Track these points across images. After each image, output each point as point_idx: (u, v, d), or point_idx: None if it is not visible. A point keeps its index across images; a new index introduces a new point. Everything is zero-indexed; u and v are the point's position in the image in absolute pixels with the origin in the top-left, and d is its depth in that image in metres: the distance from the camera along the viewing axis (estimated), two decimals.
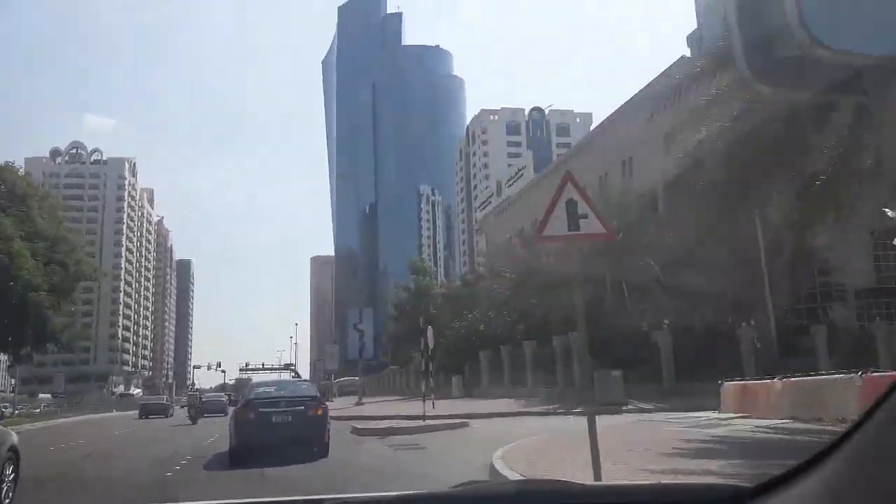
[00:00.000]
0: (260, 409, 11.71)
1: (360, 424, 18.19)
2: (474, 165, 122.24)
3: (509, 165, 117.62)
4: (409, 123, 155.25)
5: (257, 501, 1.47)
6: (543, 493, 1.48)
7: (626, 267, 26.39)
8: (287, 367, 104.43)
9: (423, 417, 17.64)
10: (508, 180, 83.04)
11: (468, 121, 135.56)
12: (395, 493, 1.55)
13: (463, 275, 73.56)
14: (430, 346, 22.16)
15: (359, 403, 34.67)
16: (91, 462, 13.61)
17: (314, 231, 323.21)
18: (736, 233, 20.62)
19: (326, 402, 13.43)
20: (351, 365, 53.05)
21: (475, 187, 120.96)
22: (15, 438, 8.21)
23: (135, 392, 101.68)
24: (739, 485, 1.37)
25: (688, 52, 58.44)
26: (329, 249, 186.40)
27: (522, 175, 78.21)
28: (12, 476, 7.74)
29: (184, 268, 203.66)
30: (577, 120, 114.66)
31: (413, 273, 59.11)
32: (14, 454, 7.86)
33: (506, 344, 34.82)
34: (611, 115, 46.74)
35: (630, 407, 20.55)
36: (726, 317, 25.62)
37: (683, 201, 20.08)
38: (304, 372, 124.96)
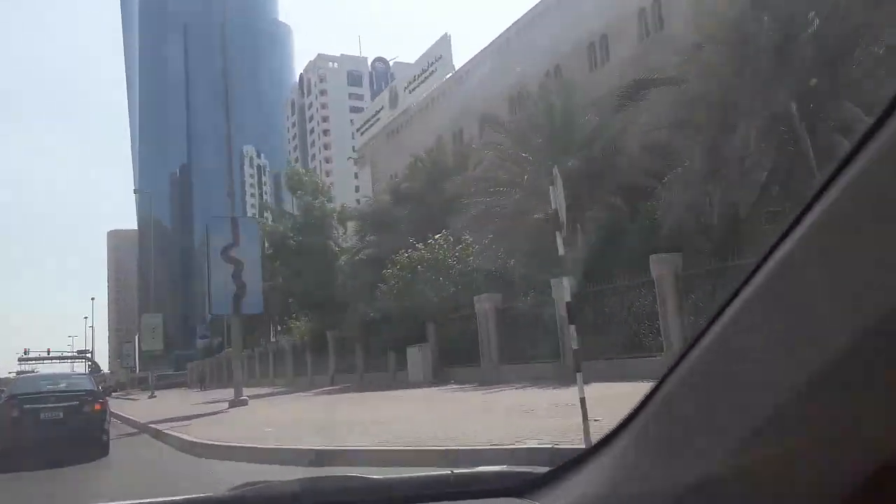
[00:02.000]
0: (25, 406, 10.72)
1: None
2: (311, 119, 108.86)
3: (352, 121, 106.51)
4: (228, 75, 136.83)
5: None
6: (330, 490, 1.43)
7: None
8: (81, 354, 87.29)
9: None
10: (407, 88, 61.16)
11: (298, 74, 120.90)
12: (168, 499, 1.45)
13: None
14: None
15: (151, 396, 34.68)
16: None
17: (109, 201, 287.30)
18: None
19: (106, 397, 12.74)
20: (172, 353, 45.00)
21: (313, 144, 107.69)
22: None
23: None
24: (533, 470, 1.37)
25: None
26: (130, 223, 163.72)
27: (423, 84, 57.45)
28: None
29: None
30: None
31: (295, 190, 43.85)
32: None
33: None
34: None
35: None
36: None
37: None
38: (104, 361, 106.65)
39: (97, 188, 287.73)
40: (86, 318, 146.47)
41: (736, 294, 0.84)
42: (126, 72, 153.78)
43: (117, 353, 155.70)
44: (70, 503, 7.34)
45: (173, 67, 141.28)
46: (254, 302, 19.80)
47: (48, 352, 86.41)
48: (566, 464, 1.29)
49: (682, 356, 0.95)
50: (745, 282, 0.82)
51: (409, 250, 23.34)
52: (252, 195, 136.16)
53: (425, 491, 1.45)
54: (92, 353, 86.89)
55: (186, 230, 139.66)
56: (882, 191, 0.63)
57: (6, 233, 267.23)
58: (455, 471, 1.47)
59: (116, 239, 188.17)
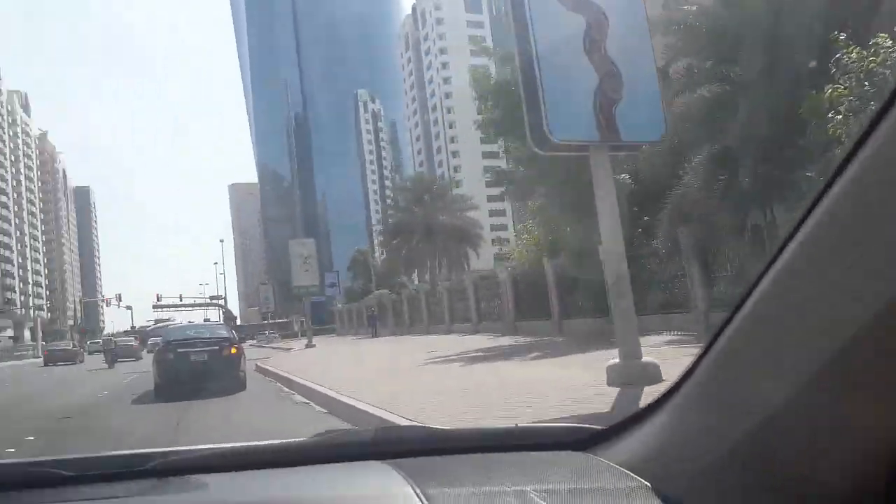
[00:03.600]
0: (178, 350, 12.92)
1: None
2: (427, 52, 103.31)
3: (471, 53, 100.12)
4: (337, 15, 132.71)
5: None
6: (401, 440, 1.55)
7: None
8: (214, 300, 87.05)
9: None
10: None
11: (410, 5, 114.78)
12: (252, 444, 1.54)
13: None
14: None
15: (309, 346, 29.25)
16: (22, 400, 14.90)
17: (232, 155, 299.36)
18: None
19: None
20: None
21: (430, 80, 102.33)
22: None
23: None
24: (595, 427, 1.45)
25: None
26: (251, 175, 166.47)
27: None
28: None
29: (83, 196, 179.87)
30: None
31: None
32: None
33: None
34: None
35: None
36: None
37: None
38: (234, 307, 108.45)
39: (220, 141, 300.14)
40: (216, 263, 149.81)
41: (791, 237, 0.83)
42: (234, 24, 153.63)
43: (246, 299, 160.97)
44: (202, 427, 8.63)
45: (281, 7, 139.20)
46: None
47: (180, 298, 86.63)
48: (629, 418, 1.33)
49: (742, 302, 0.95)
50: (799, 224, 0.82)
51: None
52: (369, 142, 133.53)
53: (490, 442, 1.51)
54: (225, 300, 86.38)
55: (306, 179, 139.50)
56: None
57: (138, 189, 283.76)
58: (519, 424, 1.57)
59: (238, 191, 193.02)
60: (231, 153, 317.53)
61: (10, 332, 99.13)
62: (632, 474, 1.17)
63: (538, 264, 18.50)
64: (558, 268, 17.11)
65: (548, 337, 16.58)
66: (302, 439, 1.56)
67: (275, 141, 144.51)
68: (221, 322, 34.31)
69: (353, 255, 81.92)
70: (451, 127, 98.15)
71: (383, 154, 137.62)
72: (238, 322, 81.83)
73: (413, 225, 45.56)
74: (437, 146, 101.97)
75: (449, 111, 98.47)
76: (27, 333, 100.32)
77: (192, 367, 12.55)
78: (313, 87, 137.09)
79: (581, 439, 1.42)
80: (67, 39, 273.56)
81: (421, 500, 1.07)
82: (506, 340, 17.22)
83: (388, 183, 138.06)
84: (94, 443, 7.89)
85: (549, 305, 17.94)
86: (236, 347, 13.18)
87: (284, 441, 1.53)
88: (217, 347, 12.94)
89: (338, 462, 1.36)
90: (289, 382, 12.60)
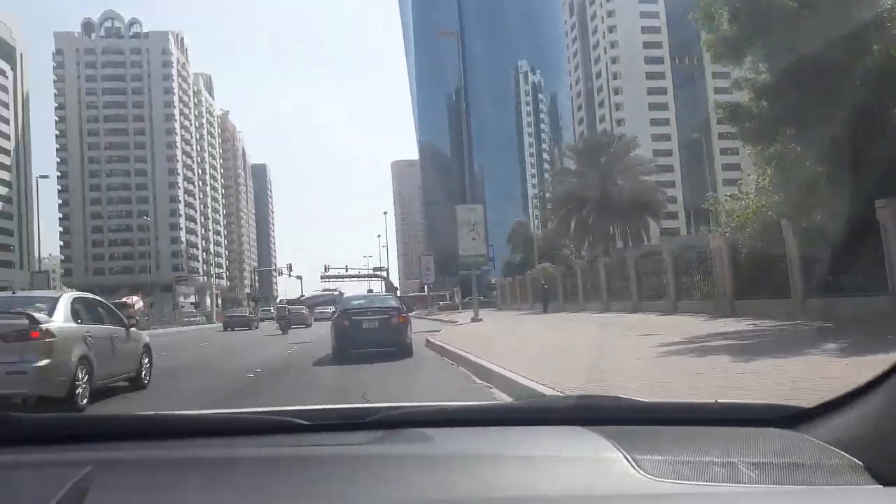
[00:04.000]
0: (353, 318, 13.81)
1: None
2: (593, 17, 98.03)
3: (641, 14, 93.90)
4: None
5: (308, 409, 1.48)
6: (602, 408, 1.56)
7: None
8: (377, 271, 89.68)
9: None
10: None
11: None
12: (457, 404, 1.70)
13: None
14: None
15: (475, 319, 25.41)
16: (206, 361, 16.11)
17: (395, 134, 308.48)
18: None
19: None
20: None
21: (596, 45, 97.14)
22: (147, 339, 11.23)
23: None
24: (800, 406, 1.45)
25: None
26: (412, 153, 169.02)
27: None
28: (147, 364, 10.71)
29: (259, 172, 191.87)
30: None
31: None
32: (147, 349, 10.87)
33: None
34: None
35: None
36: None
37: None
38: (394, 279, 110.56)
39: (384, 122, 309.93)
40: (378, 236, 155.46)
41: None
42: (399, 6, 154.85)
43: (405, 272, 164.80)
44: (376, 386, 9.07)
45: None
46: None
47: (346, 269, 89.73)
48: (837, 398, 1.33)
49: None
50: None
51: None
52: (528, 113, 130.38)
53: (691, 415, 1.52)
54: (387, 271, 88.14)
55: (464, 153, 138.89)
56: None
57: (308, 167, 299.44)
58: (720, 400, 1.54)
59: (399, 168, 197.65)
60: (394, 132, 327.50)
61: (193, 299, 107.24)
62: (842, 452, 1.17)
63: (769, 230, 14.97)
64: (806, 233, 13.62)
65: (788, 321, 13.16)
66: (508, 402, 1.72)
67: (435, 117, 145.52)
68: (389, 293, 32.57)
69: (511, 227, 79.93)
70: (616, 94, 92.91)
71: (542, 126, 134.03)
72: (398, 293, 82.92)
73: (586, 190, 41.38)
74: (600, 114, 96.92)
75: (615, 76, 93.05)
76: (207, 300, 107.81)
77: (365, 334, 13.46)
78: (474, 59, 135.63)
79: (785, 417, 1.42)
80: (246, 25, 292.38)
81: (630, 464, 1.09)
82: (731, 324, 13.85)
83: (545, 156, 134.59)
84: (293, 396, 8.80)
85: (784, 280, 14.49)
86: (404, 317, 14.01)
87: (491, 402, 1.59)
88: (387, 316, 13.80)
89: (541, 425, 1.41)
90: (478, 368, 9.66)
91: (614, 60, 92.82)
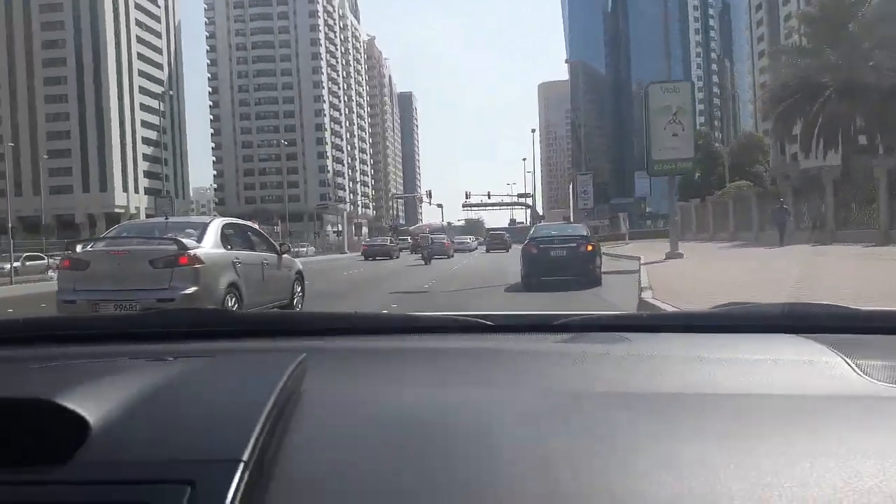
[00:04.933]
0: (541, 246, 14.51)
1: None
2: None
3: None
4: None
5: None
6: (815, 315, 1.48)
7: None
8: (522, 197, 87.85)
9: None
10: None
11: None
12: (663, 312, 1.80)
13: None
14: None
15: (673, 255, 19.53)
16: (358, 284, 18.15)
17: (544, 55, 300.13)
18: None
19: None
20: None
21: None
22: (300, 266, 11.18)
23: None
24: None
25: None
26: (562, 74, 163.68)
27: None
28: (300, 292, 10.71)
29: (405, 101, 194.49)
30: None
31: None
32: (300, 276, 10.80)
33: None
34: None
35: None
36: None
37: None
38: (539, 207, 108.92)
39: (531, 43, 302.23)
40: (524, 159, 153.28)
41: None
42: None
43: (549, 201, 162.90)
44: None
45: None
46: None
47: (488, 195, 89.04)
48: None
49: None
50: None
51: None
52: (696, 19, 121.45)
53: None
54: (533, 198, 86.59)
55: (622, 69, 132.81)
56: None
57: (453, 94, 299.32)
58: None
59: (547, 90, 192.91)
60: (541, 52, 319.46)
61: (338, 227, 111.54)
62: None
63: None
64: None
65: None
66: (709, 309, 1.62)
67: (587, 31, 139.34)
68: (581, 224, 29.50)
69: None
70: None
71: (711, 36, 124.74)
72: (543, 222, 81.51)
73: (821, 74, 32.51)
74: (784, 32, 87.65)
75: None
76: (352, 229, 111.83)
77: (553, 261, 14.13)
78: None
79: None
80: None
81: (851, 368, 1.06)
82: None
83: (714, 67, 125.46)
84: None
85: None
86: (592, 245, 14.56)
87: (689, 310, 1.58)
88: (575, 244, 14.34)
89: (746, 332, 1.38)
90: None
91: None
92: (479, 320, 1.43)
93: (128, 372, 0.88)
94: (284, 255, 10.33)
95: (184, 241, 8.01)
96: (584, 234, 15.31)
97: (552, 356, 1.23)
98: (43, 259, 34.31)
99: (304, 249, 58.02)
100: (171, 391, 0.79)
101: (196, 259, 7.91)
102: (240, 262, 8.68)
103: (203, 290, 7.86)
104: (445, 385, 1.03)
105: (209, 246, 8.34)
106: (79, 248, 8.56)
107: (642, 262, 16.86)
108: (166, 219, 11.29)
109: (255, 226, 11.91)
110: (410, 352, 1.30)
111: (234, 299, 8.37)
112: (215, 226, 8.84)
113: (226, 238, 8.82)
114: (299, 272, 10.83)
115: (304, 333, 1.45)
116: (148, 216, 71.49)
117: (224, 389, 0.86)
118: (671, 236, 21.24)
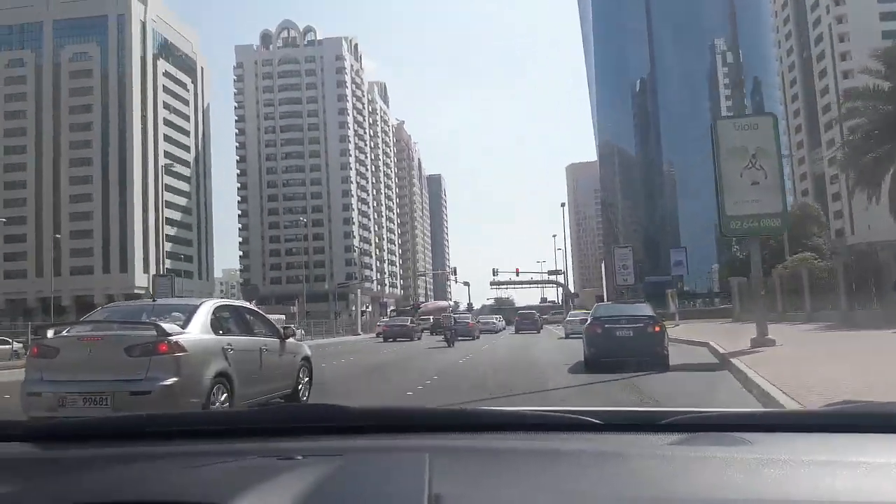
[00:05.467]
0: (606, 326, 14.21)
1: None
2: None
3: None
4: None
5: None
6: None
7: None
8: (553, 274, 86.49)
9: None
10: None
11: None
12: (761, 410, 1.84)
13: None
14: None
15: (761, 340, 15.62)
16: (370, 374, 16.33)
17: (571, 137, 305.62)
18: None
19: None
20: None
21: (817, 22, 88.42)
22: (307, 350, 10.48)
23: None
24: None
25: None
26: (589, 155, 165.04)
27: None
28: (307, 380, 10.05)
29: (434, 183, 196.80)
30: None
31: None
32: (307, 362, 10.15)
33: None
34: None
35: None
36: None
37: None
38: (570, 283, 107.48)
39: (558, 125, 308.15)
40: (554, 236, 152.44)
41: None
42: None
43: (581, 280, 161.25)
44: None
45: None
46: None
47: (516, 272, 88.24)
48: None
49: None
50: None
51: None
52: (727, 97, 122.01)
53: None
54: (565, 275, 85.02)
55: (651, 149, 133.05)
56: None
57: (481, 176, 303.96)
58: None
59: (576, 171, 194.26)
60: (568, 134, 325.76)
61: (364, 307, 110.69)
62: None
63: None
64: None
65: None
66: (819, 408, 1.59)
67: (616, 112, 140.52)
68: (644, 302, 27.18)
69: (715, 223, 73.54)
70: (845, 77, 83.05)
71: (744, 103, 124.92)
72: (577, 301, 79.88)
73: None
74: (822, 103, 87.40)
75: (843, 57, 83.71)
76: (378, 308, 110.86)
77: (619, 342, 13.79)
78: (662, 40, 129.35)
79: None
80: (419, 40, 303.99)
81: None
82: None
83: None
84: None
85: None
86: (659, 326, 14.07)
87: (804, 408, 1.71)
88: (642, 325, 13.97)
89: (864, 433, 1.35)
90: None
91: (842, 38, 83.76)
92: (587, 418, 1.43)
93: (272, 472, 0.94)
94: (289, 340, 9.60)
95: (165, 326, 7.29)
96: (650, 313, 14.61)
97: (663, 459, 1.20)
98: (8, 344, 31.61)
99: (297, 332, 53.01)
100: (321, 496, 0.84)
101: (177, 346, 7.19)
102: (232, 349, 7.96)
103: (185, 380, 7.14)
104: (563, 492, 1.05)
105: (196, 331, 7.63)
106: (50, 334, 7.80)
107: (723, 351, 14.48)
108: (153, 301, 10.70)
109: (254, 307, 11.10)
110: (525, 453, 1.32)
111: (222, 391, 7.64)
112: (205, 309, 8.12)
113: (217, 322, 8.13)
114: (306, 358, 10.15)
115: (418, 430, 1.49)
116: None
117: (371, 495, 0.90)
118: (758, 318, 16.53)
